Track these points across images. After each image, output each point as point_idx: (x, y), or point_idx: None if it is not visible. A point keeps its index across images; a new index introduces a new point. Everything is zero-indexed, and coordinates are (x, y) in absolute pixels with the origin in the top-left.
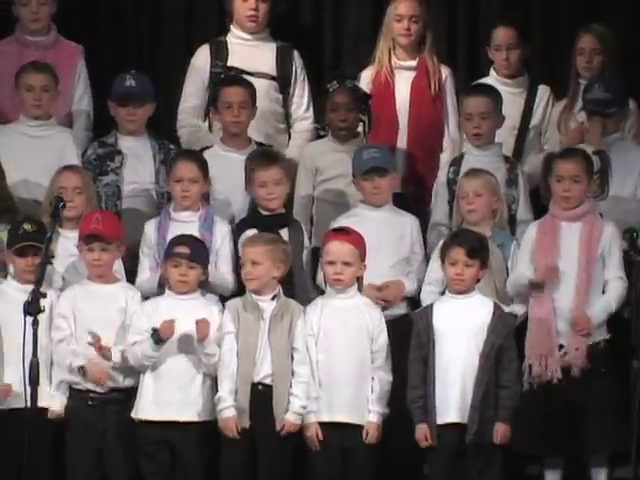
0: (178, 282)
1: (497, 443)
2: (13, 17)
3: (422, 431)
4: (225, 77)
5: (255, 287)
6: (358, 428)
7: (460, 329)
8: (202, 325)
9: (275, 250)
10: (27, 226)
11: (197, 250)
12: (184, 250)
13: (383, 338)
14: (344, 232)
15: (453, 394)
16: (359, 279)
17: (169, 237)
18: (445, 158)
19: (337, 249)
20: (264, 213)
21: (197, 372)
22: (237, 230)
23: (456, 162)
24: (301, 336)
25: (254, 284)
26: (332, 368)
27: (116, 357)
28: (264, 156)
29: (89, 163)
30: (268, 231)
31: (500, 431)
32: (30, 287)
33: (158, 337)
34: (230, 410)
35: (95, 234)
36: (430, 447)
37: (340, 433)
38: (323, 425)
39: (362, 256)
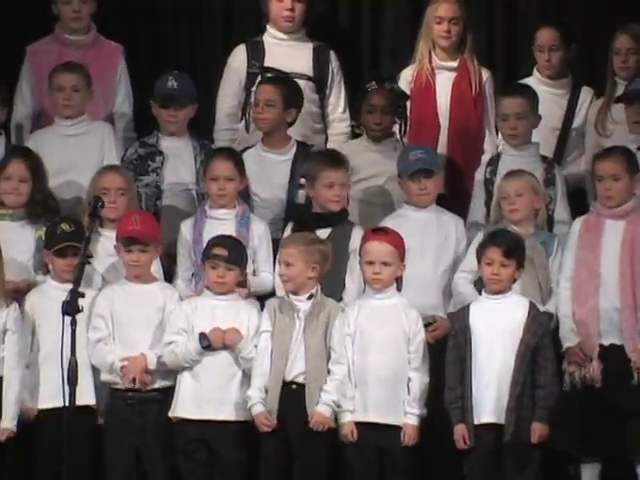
0: (216, 283)
1: (534, 443)
2: (52, 16)
3: (460, 432)
4: (266, 76)
5: (290, 288)
6: (393, 429)
7: (496, 329)
8: (230, 335)
9: (309, 251)
10: (65, 226)
11: (235, 251)
12: (222, 252)
13: (420, 339)
14: (383, 232)
15: (490, 394)
16: (398, 279)
17: (205, 234)
18: (486, 160)
19: (376, 249)
20: (315, 211)
21: (236, 371)
22: (284, 224)
23: (493, 162)
24: (338, 335)
25: (289, 286)
26: (368, 368)
27: (152, 364)
28: (333, 157)
29: (130, 163)
30: (308, 228)
31: (537, 431)
32: (70, 286)
33: (208, 344)
34: (258, 406)
35: (134, 236)
36: (467, 448)
37: (376, 433)
38: (359, 425)
39: (401, 256)
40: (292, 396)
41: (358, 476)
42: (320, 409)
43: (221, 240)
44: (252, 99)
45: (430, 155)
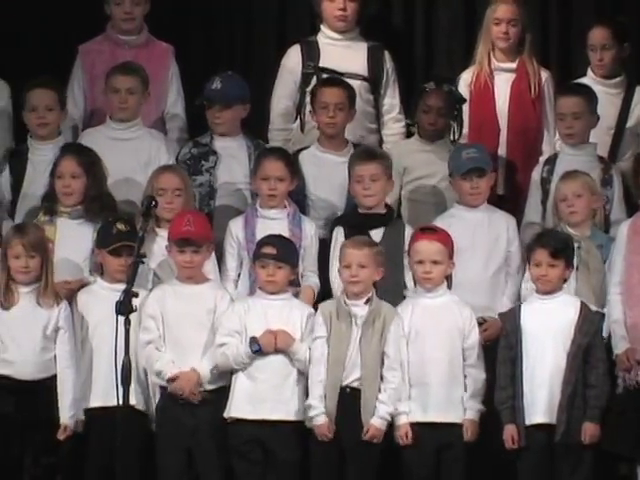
0: (266, 282)
1: (585, 443)
2: (103, 15)
3: (509, 432)
4: (325, 78)
5: (360, 290)
6: (452, 427)
7: (547, 329)
8: (282, 338)
9: (378, 253)
10: (121, 226)
11: (285, 250)
12: (271, 250)
13: (475, 335)
14: (432, 231)
15: (541, 394)
16: (448, 277)
17: (258, 233)
18: (544, 159)
19: (425, 248)
20: (361, 212)
21: (291, 371)
22: (331, 227)
23: (550, 162)
24: (393, 341)
25: (360, 287)
26: (424, 368)
27: (205, 379)
28: (363, 152)
29: (183, 163)
30: (362, 230)
31: (588, 430)
32: (120, 286)
33: (259, 348)
34: (321, 417)
35: (188, 237)
36: (517, 449)
37: (434, 432)
38: (417, 425)
39: (450, 254)
40: (346, 400)
41: (416, 477)
42: (376, 422)
43: (270, 239)
44: (308, 99)
45: (482, 154)
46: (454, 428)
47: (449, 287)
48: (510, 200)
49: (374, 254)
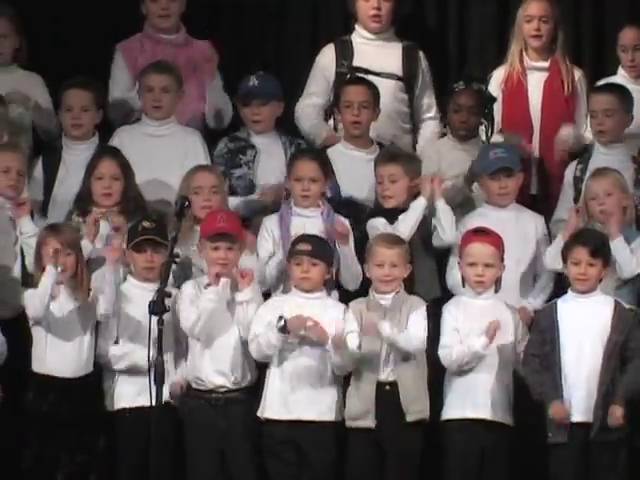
0: (301, 279)
1: (611, 425)
2: (136, 15)
3: (557, 407)
4: (349, 77)
5: (392, 288)
6: (497, 426)
7: (584, 328)
8: (315, 331)
9: (408, 251)
10: (146, 223)
11: (319, 247)
12: (306, 247)
13: (521, 336)
14: (485, 233)
15: (577, 393)
16: (497, 280)
17: (293, 231)
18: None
19: (478, 250)
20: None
21: (324, 372)
22: (365, 220)
23: (583, 160)
24: (413, 321)
25: (393, 285)
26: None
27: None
28: (385, 152)
29: (220, 157)
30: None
31: (612, 413)
32: (149, 285)
33: (284, 326)
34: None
35: (222, 233)
36: (563, 422)
37: (478, 431)
38: (465, 422)
39: (502, 256)
40: (385, 398)
41: (458, 475)
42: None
43: (305, 236)
44: (341, 100)
45: (511, 154)
46: (499, 427)
47: (496, 290)
48: (543, 199)
49: (404, 252)
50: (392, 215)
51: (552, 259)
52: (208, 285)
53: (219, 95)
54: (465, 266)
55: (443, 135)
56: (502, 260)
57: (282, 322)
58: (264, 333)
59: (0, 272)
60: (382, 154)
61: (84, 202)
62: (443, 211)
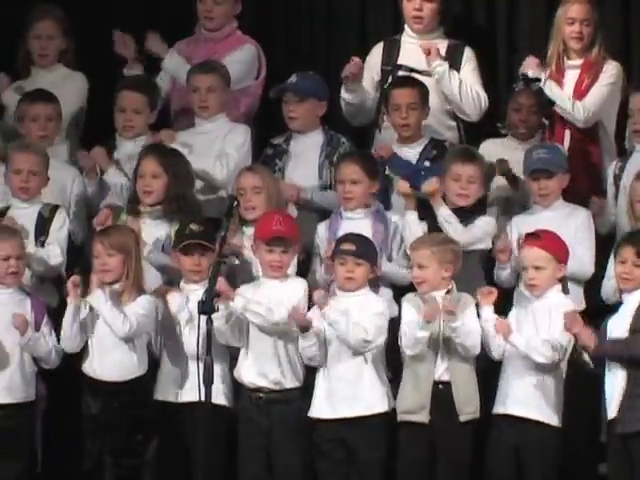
0: (345, 279)
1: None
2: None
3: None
4: (397, 78)
5: (425, 290)
6: (533, 423)
7: (625, 326)
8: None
9: (442, 251)
10: (194, 226)
11: (363, 247)
12: (350, 247)
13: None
14: (535, 237)
15: (617, 390)
16: (562, 280)
17: (340, 234)
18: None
19: (528, 254)
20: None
21: (364, 367)
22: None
23: (623, 159)
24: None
25: (424, 287)
26: (515, 363)
27: None
28: (465, 151)
29: (263, 164)
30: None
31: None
32: (195, 287)
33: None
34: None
35: (279, 236)
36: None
37: (515, 427)
38: (499, 418)
39: (559, 258)
40: (440, 396)
41: (496, 473)
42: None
43: (349, 236)
44: (389, 103)
45: (553, 155)
46: (535, 425)
47: (564, 290)
48: (573, 196)
49: (436, 252)
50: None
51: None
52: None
53: None
54: (521, 270)
55: (503, 136)
56: (561, 261)
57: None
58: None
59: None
60: (460, 152)
61: (133, 202)
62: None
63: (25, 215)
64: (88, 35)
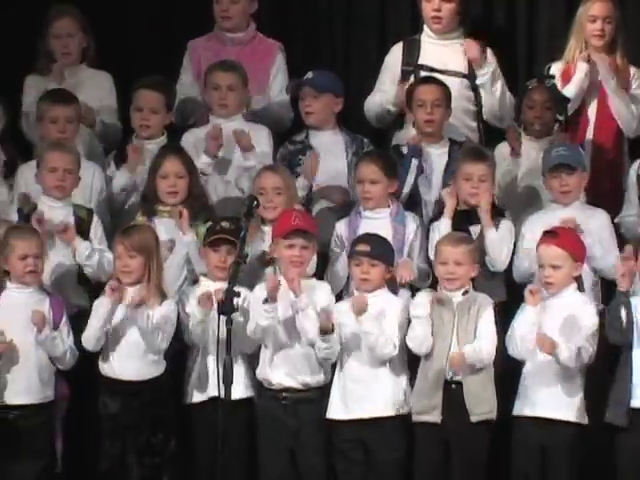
0: (361, 280)
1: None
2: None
3: None
4: (422, 76)
5: (456, 287)
6: (560, 424)
7: None
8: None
9: (474, 250)
10: (225, 224)
11: (378, 247)
12: (365, 248)
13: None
14: (552, 235)
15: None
16: (578, 278)
17: (360, 232)
18: None
19: (544, 252)
20: (460, 208)
21: (380, 367)
22: (430, 222)
23: None
24: (484, 324)
25: (456, 284)
26: (538, 365)
27: None
28: (474, 151)
29: (282, 160)
30: (461, 226)
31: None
32: (217, 285)
33: (323, 331)
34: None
35: (298, 229)
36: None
37: (541, 428)
38: (523, 419)
39: (575, 256)
40: (452, 396)
41: (520, 474)
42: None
43: (364, 237)
44: (413, 99)
45: (573, 152)
46: (562, 425)
47: (580, 288)
48: (594, 196)
49: (470, 251)
50: (465, 216)
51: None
52: (266, 301)
53: (282, 89)
54: (538, 267)
55: (518, 135)
56: (578, 260)
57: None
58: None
59: (63, 273)
60: (470, 152)
61: (149, 202)
62: (492, 241)
63: (59, 215)
64: (104, 34)
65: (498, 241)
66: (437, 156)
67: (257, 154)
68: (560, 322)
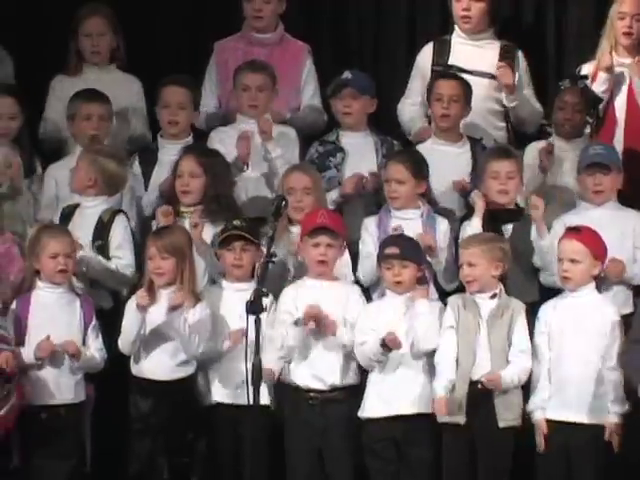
0: (394, 283)
1: None
2: (240, 14)
3: None
4: (441, 71)
5: (475, 288)
6: (588, 427)
7: None
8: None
9: (491, 249)
10: (236, 222)
11: (408, 248)
12: (394, 250)
13: (616, 336)
14: (575, 230)
15: None
16: (597, 277)
17: (391, 232)
18: None
19: (565, 247)
20: (490, 208)
21: (419, 366)
22: (460, 221)
23: None
24: (519, 332)
25: (474, 285)
26: (563, 366)
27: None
28: (500, 149)
29: (311, 162)
30: (491, 225)
31: None
32: (241, 285)
33: (387, 347)
34: (440, 392)
35: (323, 226)
36: None
37: (569, 431)
38: (551, 423)
39: (595, 255)
40: (478, 396)
41: (547, 476)
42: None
43: (393, 239)
44: (432, 93)
45: (609, 152)
46: (589, 428)
47: (598, 288)
48: (628, 196)
49: (484, 250)
50: (495, 216)
51: None
52: (296, 322)
53: (315, 93)
54: (558, 261)
55: (548, 135)
56: (598, 259)
57: (384, 345)
58: (367, 343)
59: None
60: (495, 150)
61: (168, 202)
62: (541, 248)
63: (91, 214)
64: (134, 34)
65: (549, 249)
66: (456, 155)
67: (276, 147)
68: (574, 321)
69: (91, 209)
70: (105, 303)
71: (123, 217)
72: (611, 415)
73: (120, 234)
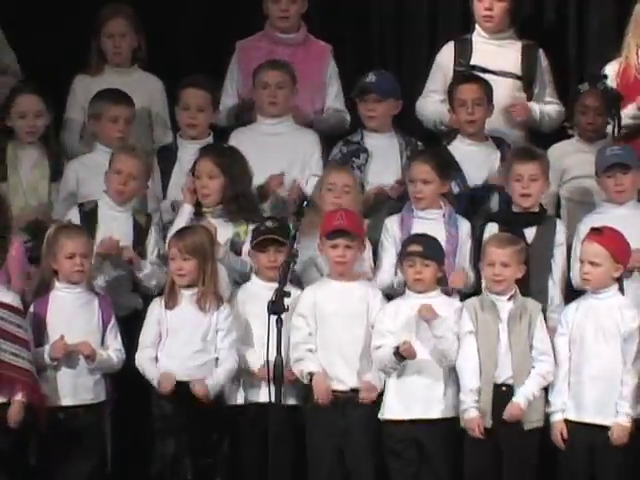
0: (414, 281)
1: None
2: (262, 14)
3: None
4: (460, 74)
5: (503, 288)
6: (607, 429)
7: None
8: (425, 311)
9: (521, 251)
10: (269, 223)
11: (431, 247)
12: (417, 248)
13: (634, 339)
14: (597, 232)
15: None
16: (619, 279)
17: (414, 232)
18: None
19: (586, 248)
20: (515, 210)
21: (440, 369)
22: (483, 223)
23: None
24: (540, 335)
25: (503, 285)
26: (583, 367)
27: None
28: (524, 151)
29: (334, 162)
30: (515, 228)
31: None
32: (274, 285)
33: (401, 357)
34: (472, 411)
35: (340, 229)
36: None
37: (588, 432)
38: (571, 423)
39: (617, 257)
40: (501, 398)
41: (569, 476)
42: (516, 401)
43: (415, 237)
44: (454, 98)
45: (628, 152)
46: (607, 430)
47: (621, 289)
48: None
49: (517, 252)
50: (519, 218)
51: None
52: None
53: (338, 94)
54: (579, 263)
55: (570, 136)
56: (620, 262)
57: (398, 354)
58: (384, 348)
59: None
60: (519, 152)
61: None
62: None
63: (118, 219)
64: (155, 34)
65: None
66: (485, 157)
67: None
68: (595, 323)
69: (124, 213)
70: (137, 304)
71: (157, 221)
72: (620, 416)
73: (156, 237)
